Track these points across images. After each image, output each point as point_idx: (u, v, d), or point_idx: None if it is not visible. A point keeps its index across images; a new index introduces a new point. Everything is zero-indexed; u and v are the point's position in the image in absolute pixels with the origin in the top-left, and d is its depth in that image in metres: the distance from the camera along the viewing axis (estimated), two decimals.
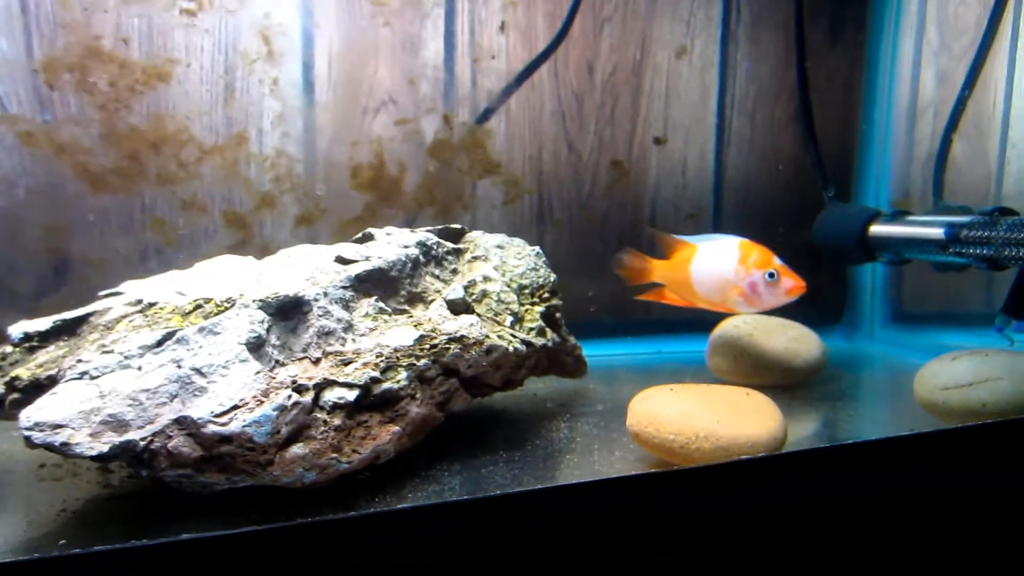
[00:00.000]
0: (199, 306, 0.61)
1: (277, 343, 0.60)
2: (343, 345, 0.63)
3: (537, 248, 0.91)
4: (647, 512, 0.49)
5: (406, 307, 0.73)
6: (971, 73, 1.21)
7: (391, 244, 0.77)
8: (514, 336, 0.77)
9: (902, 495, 0.60)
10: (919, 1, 1.46)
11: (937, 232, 1.00)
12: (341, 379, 0.59)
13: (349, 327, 0.64)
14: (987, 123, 1.51)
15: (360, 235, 0.84)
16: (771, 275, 0.84)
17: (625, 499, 0.47)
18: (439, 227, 0.86)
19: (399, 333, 0.67)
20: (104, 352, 0.56)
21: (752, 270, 0.85)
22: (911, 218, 1.08)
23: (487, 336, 0.73)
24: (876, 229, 1.09)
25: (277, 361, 0.59)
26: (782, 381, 0.95)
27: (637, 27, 1.32)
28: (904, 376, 0.81)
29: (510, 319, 0.80)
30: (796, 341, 0.96)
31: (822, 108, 1.45)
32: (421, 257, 0.78)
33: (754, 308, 0.87)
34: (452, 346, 0.69)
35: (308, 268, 0.69)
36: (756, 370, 0.94)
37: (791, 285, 0.84)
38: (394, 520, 0.39)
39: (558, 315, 0.92)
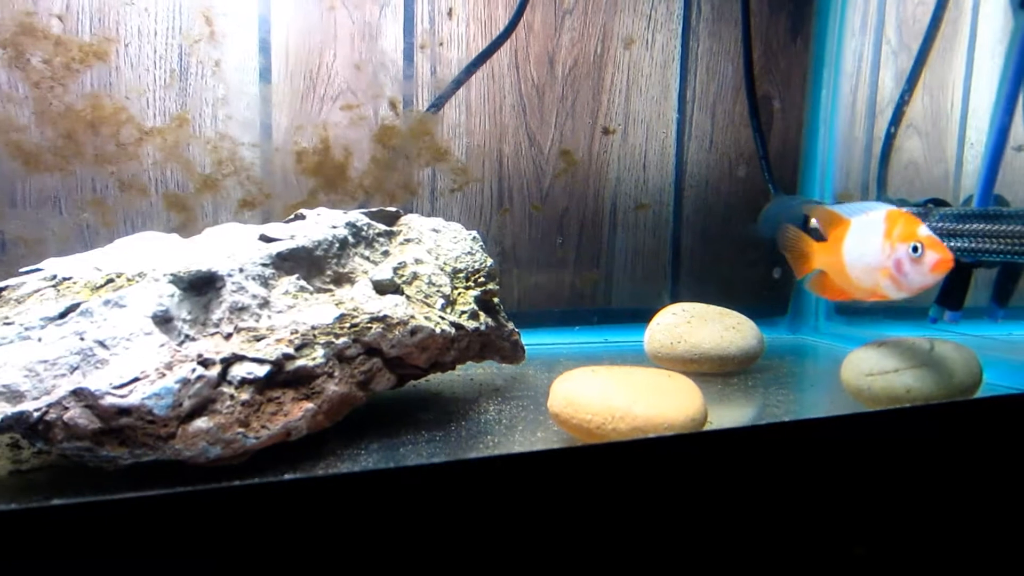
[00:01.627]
0: (110, 280, 0.61)
1: (188, 317, 0.59)
2: (257, 321, 0.62)
3: (474, 232, 0.91)
4: (547, 490, 0.49)
5: (331, 287, 0.73)
6: (912, 73, 1.23)
7: (319, 224, 0.76)
8: (442, 318, 0.77)
9: (820, 478, 0.60)
10: (878, 1, 1.48)
11: None
12: (251, 354, 0.59)
13: (265, 304, 0.64)
14: (945, 122, 1.54)
15: (292, 215, 0.83)
16: (914, 249, 0.71)
17: (520, 476, 0.47)
18: (373, 209, 0.86)
19: (319, 311, 0.66)
20: (4, 324, 0.55)
21: (896, 244, 0.72)
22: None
23: (412, 317, 0.72)
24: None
25: (187, 336, 0.58)
26: (718, 369, 0.96)
27: (598, 20, 1.32)
28: (839, 366, 0.82)
29: (441, 301, 0.79)
30: (732, 329, 0.97)
31: (782, 102, 1.47)
32: (350, 238, 0.77)
33: (903, 292, 0.74)
34: (374, 325, 0.69)
35: (230, 245, 0.69)
36: (692, 357, 0.95)
37: (935, 259, 0.70)
38: (273, 492, 0.39)
39: (496, 300, 0.92)
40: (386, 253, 0.81)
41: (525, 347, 0.94)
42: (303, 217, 0.81)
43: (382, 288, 0.74)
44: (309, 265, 0.72)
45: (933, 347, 0.80)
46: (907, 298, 0.77)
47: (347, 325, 0.67)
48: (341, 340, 0.66)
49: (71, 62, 0.97)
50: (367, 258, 0.79)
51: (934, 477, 0.65)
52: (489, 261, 0.90)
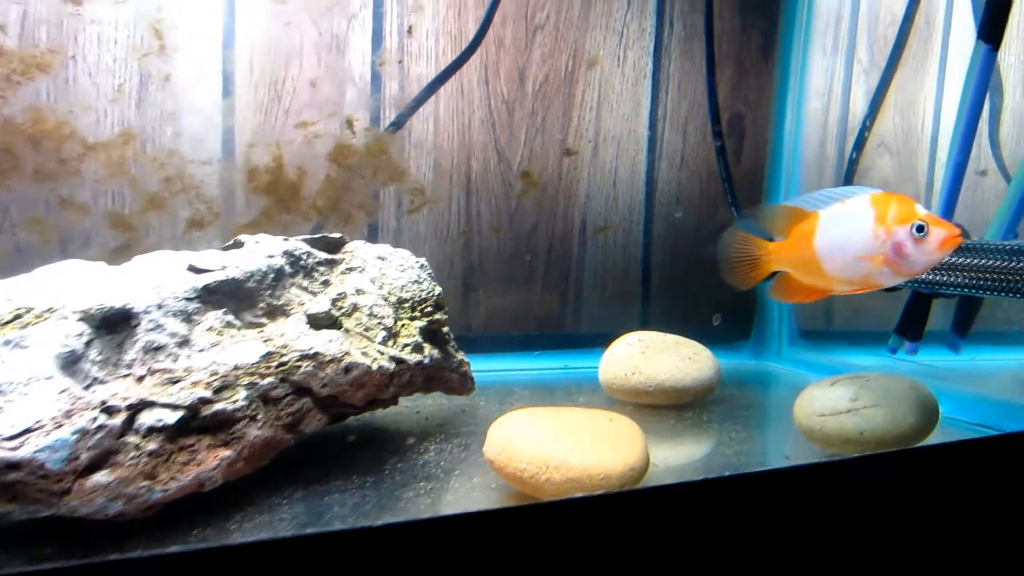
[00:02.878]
0: (18, 316, 0.57)
1: (98, 358, 0.56)
2: (174, 362, 0.59)
3: (422, 260, 0.88)
4: (461, 556, 0.46)
5: (264, 320, 0.70)
6: (875, 99, 1.22)
7: (255, 253, 0.73)
8: (381, 353, 0.74)
9: (760, 533, 0.58)
10: (850, 21, 1.47)
11: None
12: (163, 399, 0.55)
13: (185, 342, 0.61)
14: (916, 142, 1.53)
15: (231, 242, 0.80)
16: (919, 229, 0.67)
17: (427, 541, 0.45)
18: (315, 236, 0.83)
19: (244, 349, 0.63)
20: None
21: (894, 228, 0.68)
22: None
23: (347, 353, 0.69)
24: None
25: (95, 379, 0.55)
26: (674, 401, 0.94)
27: (570, 36, 1.30)
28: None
29: (382, 334, 0.76)
30: (688, 360, 0.94)
31: (753, 121, 1.46)
32: (287, 268, 0.75)
33: (904, 275, 0.70)
34: (304, 364, 0.66)
35: (156, 277, 0.65)
36: (646, 389, 0.93)
37: (943, 235, 0.67)
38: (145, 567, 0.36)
39: (444, 330, 0.89)
40: (326, 283, 0.78)
41: (475, 378, 0.91)
42: (241, 244, 0.78)
43: (317, 322, 0.71)
44: (240, 298, 0.69)
45: (888, 385, 0.78)
46: (872, 316, 0.73)
47: (274, 364, 0.64)
48: (267, 380, 0.63)
49: (12, 74, 0.94)
50: (305, 289, 0.76)
51: (887, 527, 0.63)
52: (437, 290, 0.87)
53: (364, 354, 0.72)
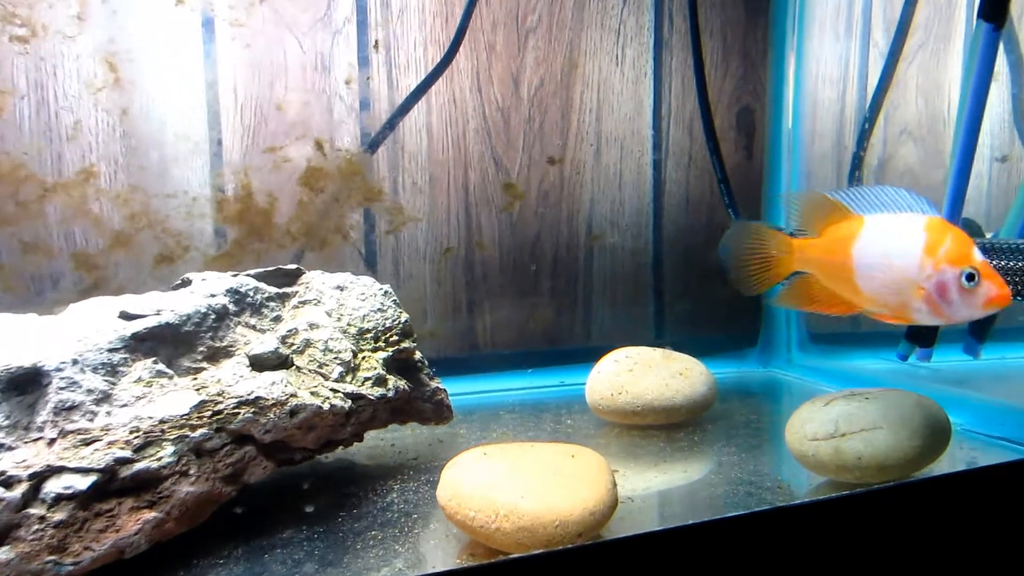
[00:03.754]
0: None
1: (5, 423, 0.52)
2: (91, 421, 0.55)
3: (386, 287, 0.84)
4: None
5: (204, 365, 0.66)
6: (878, 88, 1.14)
7: (195, 293, 0.69)
8: (335, 391, 0.70)
9: None
10: (863, 2, 1.40)
11: None
12: (74, 463, 0.52)
13: (105, 398, 0.57)
14: (942, 128, 1.45)
15: (179, 281, 0.76)
16: (969, 277, 0.59)
17: None
18: (269, 268, 0.79)
19: (173, 400, 0.59)
20: None
21: (942, 265, 0.60)
22: None
23: (293, 395, 0.65)
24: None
25: (2, 445, 0.52)
26: (664, 421, 0.88)
27: (564, 37, 1.25)
28: None
29: (338, 370, 0.72)
30: (679, 376, 0.88)
31: (761, 117, 1.39)
32: (231, 306, 0.70)
33: (941, 319, 0.62)
34: (243, 410, 0.62)
35: (83, 327, 0.62)
36: (634, 409, 0.87)
37: (993, 294, 0.59)
38: None
39: (416, 358, 0.84)
40: (278, 319, 0.74)
41: (452, 405, 0.86)
42: (189, 283, 0.74)
43: (261, 363, 0.67)
44: (176, 343, 0.65)
45: (891, 402, 0.71)
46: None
47: (207, 413, 0.60)
48: (199, 432, 0.58)
49: None
50: (253, 327, 0.72)
51: (883, 566, 0.56)
52: (404, 317, 0.83)
53: (314, 394, 0.67)
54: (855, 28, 1.39)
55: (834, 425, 0.69)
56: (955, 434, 0.76)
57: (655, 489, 0.70)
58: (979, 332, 0.90)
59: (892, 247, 0.63)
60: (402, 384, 0.79)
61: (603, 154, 1.30)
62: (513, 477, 0.57)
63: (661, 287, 1.34)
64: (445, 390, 0.86)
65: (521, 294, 1.24)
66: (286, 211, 1.07)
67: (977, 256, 0.60)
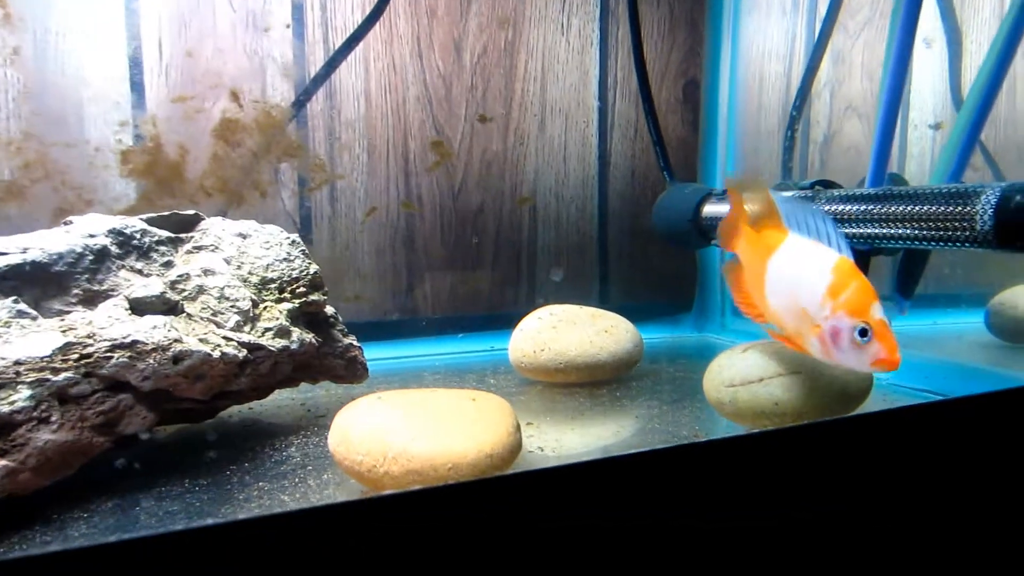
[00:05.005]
0: None
1: None
2: None
3: (294, 237, 0.79)
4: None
5: (78, 308, 0.61)
6: (805, 78, 1.12)
7: (71, 233, 0.64)
8: (228, 340, 0.65)
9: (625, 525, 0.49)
10: None
11: None
12: None
13: None
14: None
15: (62, 222, 0.70)
16: (862, 332, 0.57)
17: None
18: (164, 213, 0.74)
19: (34, 341, 0.54)
20: None
21: (840, 312, 0.58)
22: None
23: (178, 340, 0.60)
24: (708, 209, 1.00)
25: None
26: (588, 378, 0.85)
27: (508, 4, 1.21)
28: None
29: (235, 319, 0.67)
30: (604, 334, 0.86)
31: (707, 87, 1.38)
32: (113, 248, 0.65)
33: (831, 361, 0.61)
34: (116, 354, 0.57)
35: None
36: (557, 367, 0.84)
37: (882, 356, 0.57)
38: None
39: (328, 312, 0.80)
40: (169, 264, 0.69)
41: (367, 363, 0.82)
42: (71, 223, 0.69)
43: (143, 307, 0.62)
44: (44, 284, 0.60)
45: None
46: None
47: (74, 356, 0.55)
48: (63, 376, 0.53)
49: None
50: (140, 271, 0.67)
51: (780, 508, 0.54)
52: (313, 268, 0.78)
53: (203, 341, 0.63)
54: (802, 3, 1.38)
55: (751, 371, 0.67)
56: (878, 387, 0.75)
57: (568, 441, 0.67)
58: (905, 290, 0.89)
59: (800, 277, 0.61)
60: (309, 337, 0.74)
61: (547, 125, 1.27)
62: (406, 420, 0.53)
63: (606, 257, 1.32)
64: (359, 347, 0.82)
65: (462, 263, 1.21)
66: (200, 165, 1.01)
67: (876, 312, 0.58)
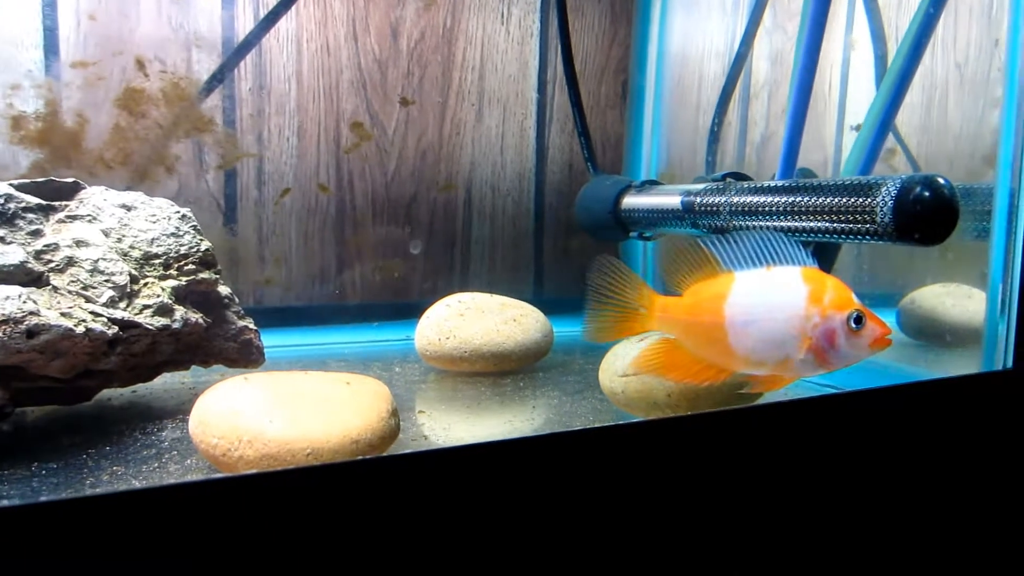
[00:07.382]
0: None
1: None
2: None
3: (185, 211, 0.75)
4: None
5: None
6: (729, 79, 1.13)
7: None
8: (98, 315, 0.61)
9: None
10: None
11: (675, 201, 0.90)
12: None
13: None
14: (823, 106, 1.45)
15: None
16: (857, 319, 0.58)
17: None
18: (39, 179, 0.69)
19: None
20: None
21: (829, 312, 0.58)
22: (659, 188, 0.97)
23: (34, 312, 0.56)
24: (627, 201, 0.99)
25: None
26: (494, 368, 0.83)
27: None
28: None
29: (108, 294, 0.63)
30: (512, 323, 0.84)
31: (633, 82, 1.37)
32: None
33: (826, 367, 0.60)
34: None
35: None
36: (462, 355, 0.82)
37: (878, 334, 0.58)
38: None
39: (222, 292, 0.76)
40: (37, 233, 0.65)
41: (263, 348, 0.79)
42: None
43: (1, 277, 0.58)
44: None
45: None
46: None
47: None
48: None
49: None
50: (1, 239, 0.62)
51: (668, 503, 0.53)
52: (204, 245, 0.74)
53: (65, 315, 0.59)
54: (742, 4, 1.39)
55: None
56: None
57: (455, 430, 0.65)
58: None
59: (774, 301, 0.60)
60: (195, 317, 0.71)
61: (485, 115, 1.25)
62: (268, 403, 0.50)
63: (541, 250, 1.30)
64: (256, 330, 0.78)
65: (392, 252, 1.18)
66: (99, 135, 0.96)
67: (856, 299, 0.59)
